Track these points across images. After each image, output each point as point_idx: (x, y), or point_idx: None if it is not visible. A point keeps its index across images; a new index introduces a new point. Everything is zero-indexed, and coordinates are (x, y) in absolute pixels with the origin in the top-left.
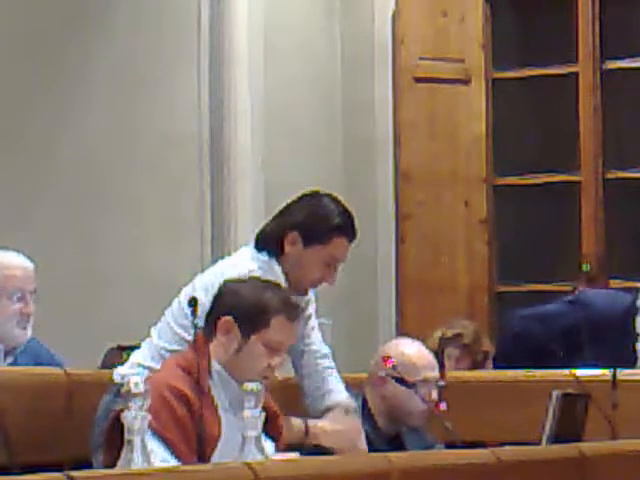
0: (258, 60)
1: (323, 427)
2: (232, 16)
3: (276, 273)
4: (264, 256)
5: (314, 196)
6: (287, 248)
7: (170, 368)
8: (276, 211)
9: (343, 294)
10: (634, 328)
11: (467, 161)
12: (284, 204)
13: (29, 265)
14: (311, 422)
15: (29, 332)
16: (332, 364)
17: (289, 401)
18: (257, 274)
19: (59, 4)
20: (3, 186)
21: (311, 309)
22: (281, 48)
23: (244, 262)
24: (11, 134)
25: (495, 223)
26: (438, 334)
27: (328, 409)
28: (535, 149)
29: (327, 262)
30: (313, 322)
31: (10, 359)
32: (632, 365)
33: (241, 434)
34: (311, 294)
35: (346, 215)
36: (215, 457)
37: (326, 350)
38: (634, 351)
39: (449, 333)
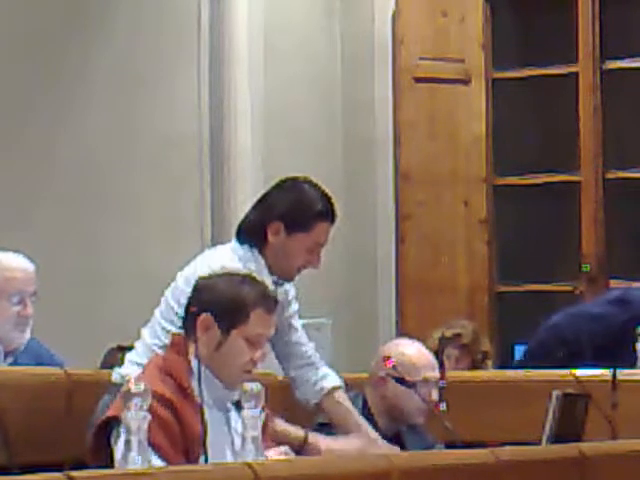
0: (258, 60)
1: (326, 443)
2: (232, 16)
3: (259, 265)
4: (246, 249)
5: (293, 184)
6: (270, 238)
7: (151, 372)
8: (255, 200)
9: (343, 294)
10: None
11: (467, 161)
12: (262, 192)
13: (30, 267)
14: (312, 434)
15: (28, 334)
16: (318, 355)
17: (289, 401)
18: (236, 268)
19: (59, 4)
20: (3, 186)
21: (295, 306)
22: (281, 48)
23: (222, 258)
24: (11, 134)
25: (495, 223)
26: (437, 334)
27: (328, 391)
28: (535, 149)
29: (311, 248)
30: (297, 316)
31: (10, 359)
32: (632, 365)
33: (241, 434)
34: (293, 291)
35: (326, 200)
36: (203, 457)
37: (312, 343)
38: (634, 351)
39: (448, 333)
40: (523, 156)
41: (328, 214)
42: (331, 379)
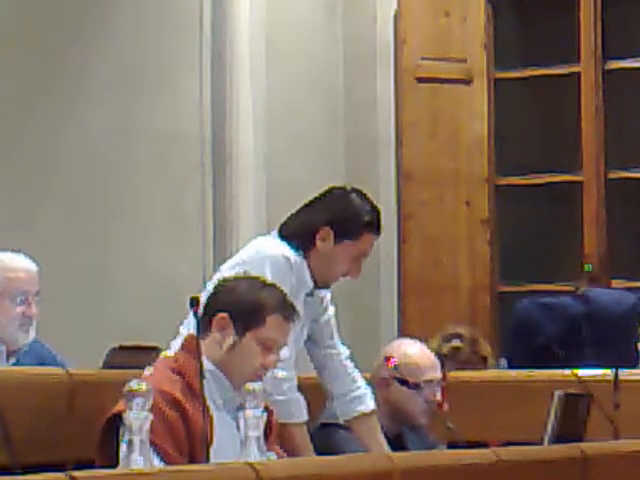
0: (260, 60)
1: None
2: (234, 16)
3: (303, 266)
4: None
5: (345, 192)
6: (319, 243)
7: (161, 371)
8: (302, 204)
9: (345, 294)
10: (638, 328)
11: (469, 161)
12: (311, 197)
13: (33, 267)
14: None
15: (32, 334)
16: (353, 365)
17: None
18: (292, 260)
19: (61, 4)
20: (5, 187)
21: (331, 311)
22: (283, 48)
23: (279, 246)
24: (13, 134)
25: (497, 223)
26: (434, 345)
27: (362, 414)
28: (537, 149)
29: (355, 257)
30: (333, 322)
31: (13, 360)
32: (634, 365)
33: (244, 434)
34: (329, 295)
35: (375, 211)
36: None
37: (347, 351)
38: (636, 351)
39: (445, 349)
40: (525, 156)
41: (374, 226)
42: (367, 402)
